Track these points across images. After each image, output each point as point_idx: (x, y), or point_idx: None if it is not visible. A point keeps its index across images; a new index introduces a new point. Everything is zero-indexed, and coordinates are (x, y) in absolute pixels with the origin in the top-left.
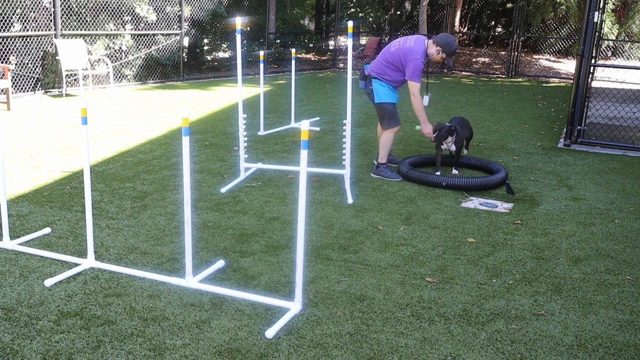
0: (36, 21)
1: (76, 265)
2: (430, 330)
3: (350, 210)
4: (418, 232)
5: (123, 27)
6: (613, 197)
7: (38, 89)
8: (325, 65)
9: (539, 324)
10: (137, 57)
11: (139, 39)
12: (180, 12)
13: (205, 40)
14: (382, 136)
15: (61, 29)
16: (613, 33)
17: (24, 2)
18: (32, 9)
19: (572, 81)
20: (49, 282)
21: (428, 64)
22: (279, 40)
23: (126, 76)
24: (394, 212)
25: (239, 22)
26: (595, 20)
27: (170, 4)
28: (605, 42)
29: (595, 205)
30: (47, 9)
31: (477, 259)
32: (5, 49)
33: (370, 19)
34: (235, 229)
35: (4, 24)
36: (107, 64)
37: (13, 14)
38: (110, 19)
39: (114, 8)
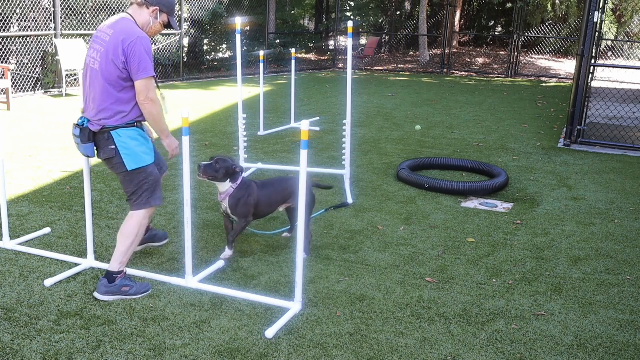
0: (36, 21)
1: (76, 265)
2: (430, 330)
3: (350, 210)
4: (418, 232)
5: None
6: (613, 197)
7: (38, 89)
8: (325, 65)
9: (539, 324)
10: None
11: None
12: (180, 12)
13: (205, 40)
14: (129, 224)
15: (61, 29)
16: (612, 33)
17: (24, 2)
18: (32, 9)
19: (572, 81)
20: (49, 282)
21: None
22: (279, 40)
23: None
24: (394, 212)
25: (239, 22)
26: (595, 20)
27: None
28: (606, 42)
29: (595, 205)
30: (47, 9)
31: (477, 259)
32: (5, 49)
33: (371, 18)
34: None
35: (4, 24)
36: None
37: (13, 14)
38: None
39: (114, 8)
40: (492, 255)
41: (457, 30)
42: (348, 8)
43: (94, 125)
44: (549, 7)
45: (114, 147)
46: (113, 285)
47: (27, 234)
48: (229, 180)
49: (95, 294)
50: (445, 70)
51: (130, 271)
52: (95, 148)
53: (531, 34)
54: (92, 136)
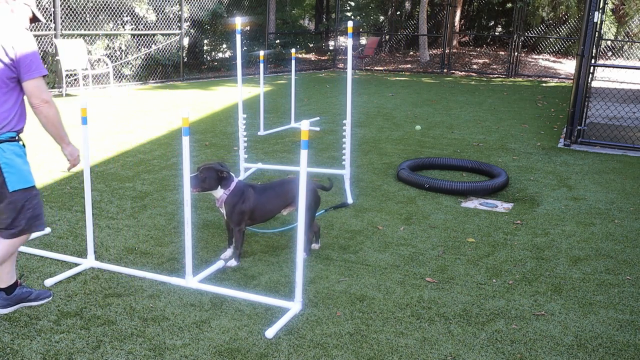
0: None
1: (76, 265)
2: (430, 330)
3: (350, 210)
4: (418, 232)
5: (123, 27)
6: (613, 197)
7: None
8: (325, 65)
9: (539, 324)
10: (137, 57)
11: (138, 39)
12: (180, 12)
13: (205, 40)
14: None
15: (61, 29)
16: (612, 33)
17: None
18: None
19: (572, 81)
20: (49, 282)
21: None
22: (278, 40)
23: (126, 76)
24: (394, 212)
25: (239, 22)
26: (595, 20)
27: (170, 4)
28: (606, 42)
29: (595, 205)
30: (46, 9)
31: (477, 259)
32: None
33: (371, 18)
34: None
35: None
36: (107, 64)
37: None
38: (110, 18)
39: (114, 8)
40: (492, 255)
41: (457, 30)
42: (348, 8)
43: None
44: (542, 13)
45: None
46: (13, 296)
47: None
48: (220, 187)
49: None
50: (445, 70)
51: (130, 271)
52: None
53: (531, 34)
54: None
